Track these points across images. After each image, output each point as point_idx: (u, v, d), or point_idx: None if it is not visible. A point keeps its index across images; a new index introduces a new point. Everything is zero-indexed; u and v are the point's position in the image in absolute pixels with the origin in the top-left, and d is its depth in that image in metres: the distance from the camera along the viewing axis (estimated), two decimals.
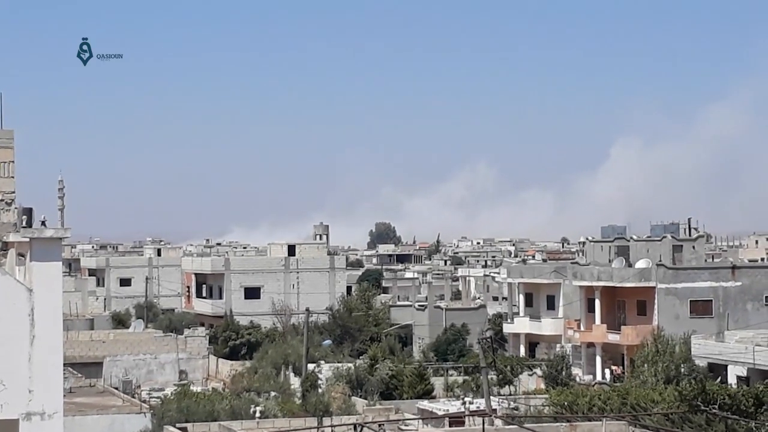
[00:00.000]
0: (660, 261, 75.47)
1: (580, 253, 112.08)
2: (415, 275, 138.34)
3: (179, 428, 45.83)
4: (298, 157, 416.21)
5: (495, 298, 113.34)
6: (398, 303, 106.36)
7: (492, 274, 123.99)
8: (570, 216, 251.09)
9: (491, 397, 52.76)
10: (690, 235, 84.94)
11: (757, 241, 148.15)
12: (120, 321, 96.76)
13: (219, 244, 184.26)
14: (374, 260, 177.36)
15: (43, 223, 16.72)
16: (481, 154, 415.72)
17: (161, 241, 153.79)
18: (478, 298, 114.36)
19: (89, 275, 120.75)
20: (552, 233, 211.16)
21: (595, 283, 76.86)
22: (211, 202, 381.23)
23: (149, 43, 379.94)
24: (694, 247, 79.91)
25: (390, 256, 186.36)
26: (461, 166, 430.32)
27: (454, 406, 53.41)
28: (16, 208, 17.60)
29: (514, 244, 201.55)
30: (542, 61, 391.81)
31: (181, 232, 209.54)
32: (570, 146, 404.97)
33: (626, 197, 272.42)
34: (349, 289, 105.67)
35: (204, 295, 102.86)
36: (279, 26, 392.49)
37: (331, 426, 45.09)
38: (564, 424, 40.35)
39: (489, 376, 55.67)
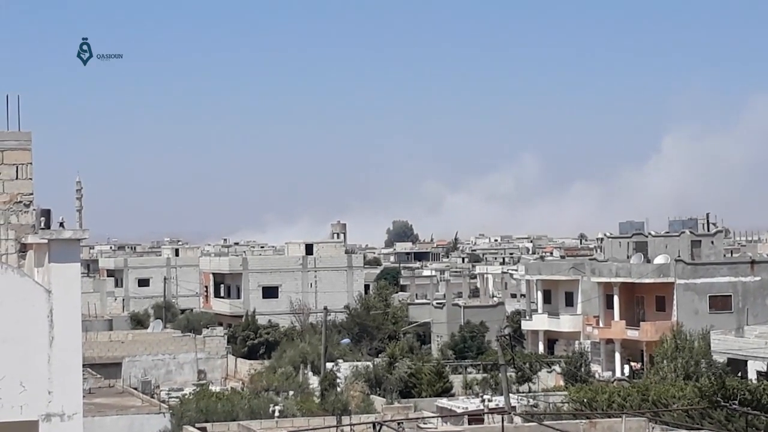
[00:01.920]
0: (678, 256, 75.30)
1: (598, 250, 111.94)
2: (433, 273, 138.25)
3: (198, 428, 45.92)
4: (336, 152, 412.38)
5: (513, 295, 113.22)
6: (416, 301, 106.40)
7: (510, 271, 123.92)
8: (617, 210, 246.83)
9: (510, 395, 52.72)
10: (708, 230, 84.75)
11: None
12: (138, 321, 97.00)
13: (237, 243, 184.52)
14: (392, 258, 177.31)
15: (61, 224, 16.73)
16: (526, 147, 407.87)
17: (179, 241, 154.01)
18: (497, 295, 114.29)
19: (108, 276, 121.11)
20: (600, 228, 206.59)
21: (613, 280, 76.70)
22: (241, 200, 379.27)
23: (165, 41, 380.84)
24: (712, 242, 79.75)
25: (408, 254, 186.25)
26: (506, 159, 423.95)
27: (473, 404, 53.42)
28: (34, 209, 17.64)
29: (531, 241, 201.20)
30: (589, 52, 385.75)
31: (199, 232, 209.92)
32: (617, 138, 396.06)
33: (675, 190, 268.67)
34: (366, 287, 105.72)
35: (222, 294, 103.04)
36: (312, 17, 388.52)
37: (350, 425, 45.09)
38: (583, 421, 40.24)
39: (508, 374, 55.63)
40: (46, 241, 15.14)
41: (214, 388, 62.78)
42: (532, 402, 55.25)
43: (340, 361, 69.10)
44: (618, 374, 72.32)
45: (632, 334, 74.30)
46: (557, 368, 69.33)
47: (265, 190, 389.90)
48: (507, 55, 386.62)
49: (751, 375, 59.04)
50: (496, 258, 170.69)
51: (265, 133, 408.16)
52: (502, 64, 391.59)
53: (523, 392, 60.46)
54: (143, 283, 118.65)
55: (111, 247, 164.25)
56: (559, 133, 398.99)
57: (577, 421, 40.83)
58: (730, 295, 73.45)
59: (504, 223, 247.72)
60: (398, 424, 42.28)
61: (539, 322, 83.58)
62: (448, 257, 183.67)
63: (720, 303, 73.13)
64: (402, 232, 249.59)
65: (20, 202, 17.58)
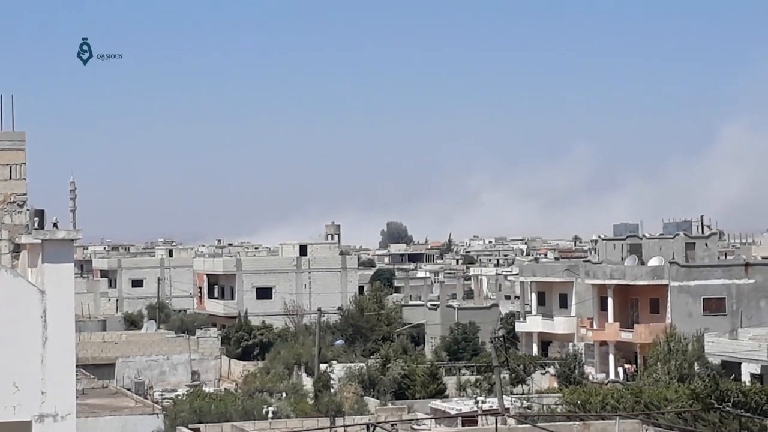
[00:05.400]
0: (673, 259, 75.32)
1: (593, 252, 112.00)
2: (427, 274, 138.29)
3: (192, 429, 45.86)
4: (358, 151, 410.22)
5: (507, 297, 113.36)
6: (410, 302, 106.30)
7: (504, 273, 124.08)
8: (669, 210, 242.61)
9: (504, 396, 52.67)
10: (703, 232, 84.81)
11: None
12: (132, 322, 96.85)
13: (230, 244, 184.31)
14: (386, 260, 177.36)
15: (55, 224, 16.71)
16: (577, 142, 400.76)
17: (173, 241, 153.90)
18: (491, 297, 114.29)
19: (101, 276, 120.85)
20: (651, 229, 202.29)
21: (607, 282, 76.74)
22: (262, 200, 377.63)
23: (161, 41, 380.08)
24: (707, 245, 79.76)
25: (402, 255, 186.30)
26: (556, 157, 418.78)
27: (467, 406, 53.38)
28: (27, 209, 17.60)
29: (526, 243, 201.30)
30: (642, 45, 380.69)
31: (193, 233, 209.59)
32: (670, 133, 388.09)
33: (727, 189, 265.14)
34: (361, 288, 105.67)
35: (216, 295, 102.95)
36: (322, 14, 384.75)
37: (344, 426, 45.07)
38: (577, 423, 40.26)
39: (502, 375, 55.60)
40: (39, 241, 15.11)
41: (208, 389, 62.73)
42: (525, 404, 55.22)
43: (334, 362, 69.04)
44: (612, 376, 72.37)
45: (626, 336, 74.32)
46: (551, 370, 69.34)
47: (268, 191, 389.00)
48: (563, 48, 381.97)
49: (745, 378, 59.09)
50: (490, 260, 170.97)
51: (261, 132, 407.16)
52: (556, 58, 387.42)
53: (516, 394, 60.45)
54: (137, 283, 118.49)
55: (104, 248, 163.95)
56: (610, 130, 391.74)
57: (571, 423, 40.85)
58: (724, 298, 73.46)
59: (546, 223, 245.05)
60: (392, 425, 42.29)
61: (533, 324, 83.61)
62: (442, 259, 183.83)
63: (714, 305, 73.15)
64: (395, 234, 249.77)
65: (14, 202, 17.54)
